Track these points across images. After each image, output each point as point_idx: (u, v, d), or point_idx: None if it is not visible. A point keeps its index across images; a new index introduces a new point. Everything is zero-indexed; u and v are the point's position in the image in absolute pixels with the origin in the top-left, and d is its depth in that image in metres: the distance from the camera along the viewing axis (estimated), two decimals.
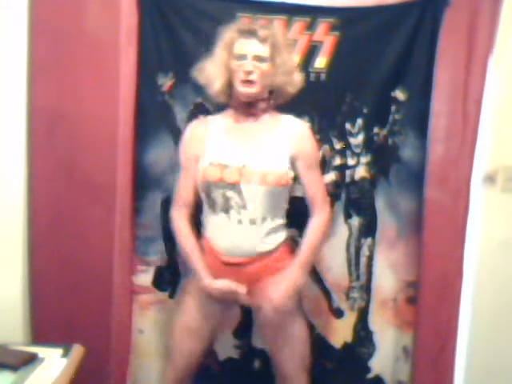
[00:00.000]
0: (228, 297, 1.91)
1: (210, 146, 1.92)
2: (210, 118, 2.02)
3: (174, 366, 2.05)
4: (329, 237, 2.10)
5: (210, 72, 1.88)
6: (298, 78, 1.93)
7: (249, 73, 1.81)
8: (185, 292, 2.06)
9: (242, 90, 1.84)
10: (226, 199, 1.86)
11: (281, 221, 1.95)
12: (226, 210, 1.88)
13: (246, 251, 1.90)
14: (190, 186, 1.96)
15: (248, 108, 1.91)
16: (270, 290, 1.88)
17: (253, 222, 1.87)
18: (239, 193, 1.85)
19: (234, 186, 1.85)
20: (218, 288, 1.89)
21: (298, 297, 1.97)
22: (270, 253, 1.92)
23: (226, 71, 1.86)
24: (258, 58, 1.83)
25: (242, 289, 1.89)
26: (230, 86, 1.88)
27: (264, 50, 1.83)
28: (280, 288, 1.87)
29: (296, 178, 1.93)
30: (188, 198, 1.97)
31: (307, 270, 1.96)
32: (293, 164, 1.91)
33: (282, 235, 1.96)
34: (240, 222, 1.87)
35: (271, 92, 1.91)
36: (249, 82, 1.82)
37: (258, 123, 1.93)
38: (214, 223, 1.93)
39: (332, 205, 2.27)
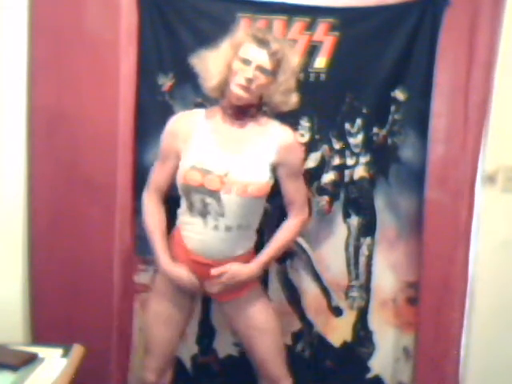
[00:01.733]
0: (184, 284, 1.94)
1: (193, 146, 1.90)
2: (196, 112, 1.99)
3: (152, 355, 2.07)
4: (298, 235, 2.12)
5: (211, 67, 1.86)
6: (294, 99, 1.92)
7: (249, 80, 1.80)
8: (157, 279, 2.07)
9: (235, 92, 1.83)
10: (205, 205, 1.87)
11: (255, 227, 1.99)
12: (204, 214, 1.88)
13: (216, 254, 1.92)
14: (164, 176, 1.98)
15: (237, 110, 1.90)
16: (228, 267, 1.92)
17: (228, 228, 1.89)
18: (218, 200, 1.85)
19: (214, 193, 1.85)
20: (174, 275, 1.93)
21: (259, 289, 2.05)
22: (238, 256, 1.95)
23: (227, 69, 1.84)
24: (261, 69, 1.82)
25: (195, 281, 1.93)
26: (225, 83, 1.86)
27: (270, 63, 1.82)
28: (238, 270, 1.92)
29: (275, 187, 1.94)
30: (160, 187, 2.00)
31: (265, 267, 2.01)
32: (273, 171, 1.91)
33: (253, 240, 2.00)
34: (216, 227, 1.88)
35: (262, 102, 1.91)
36: (245, 88, 1.81)
37: (244, 129, 1.92)
38: (189, 223, 1.94)
39: (331, 204, 2.29)
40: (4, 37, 2.09)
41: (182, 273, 1.93)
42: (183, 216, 1.96)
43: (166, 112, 2.21)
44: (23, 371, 1.72)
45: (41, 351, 1.83)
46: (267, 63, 1.82)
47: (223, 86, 1.88)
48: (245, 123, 1.92)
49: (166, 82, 2.21)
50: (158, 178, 2.00)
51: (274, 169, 1.91)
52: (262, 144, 1.90)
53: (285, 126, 1.98)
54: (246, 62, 1.82)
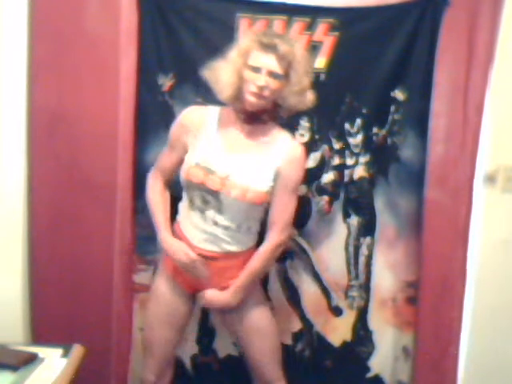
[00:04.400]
0: (181, 259, 1.93)
1: (201, 143, 1.91)
2: (210, 109, 1.97)
3: (151, 355, 2.08)
4: (279, 252, 2.02)
5: (223, 77, 1.85)
6: (310, 97, 1.91)
7: (261, 88, 1.79)
8: (157, 279, 2.07)
9: (250, 100, 1.82)
10: (205, 202, 1.88)
11: (255, 228, 1.99)
12: (203, 210, 1.89)
13: (215, 248, 1.92)
14: (169, 164, 2.00)
15: (250, 115, 1.89)
16: (207, 292, 1.95)
17: (227, 228, 1.90)
18: (218, 200, 1.86)
19: (214, 193, 1.86)
20: (172, 249, 1.93)
21: (258, 291, 2.05)
22: (239, 253, 1.95)
23: (238, 79, 1.83)
24: (273, 74, 1.80)
25: (192, 256, 1.90)
26: (239, 92, 1.85)
27: (280, 67, 1.80)
28: (213, 295, 1.95)
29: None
30: (165, 172, 2.03)
31: (241, 293, 1.95)
32: (275, 181, 1.90)
33: (254, 239, 2.00)
34: (215, 223, 1.89)
35: (278, 105, 1.89)
36: (259, 96, 1.80)
37: (253, 135, 1.92)
38: (189, 217, 1.94)
39: (330, 204, 2.29)
40: (4, 37, 2.09)
41: (181, 247, 1.93)
42: (184, 209, 1.97)
43: (166, 112, 2.22)
44: (23, 371, 1.72)
45: (41, 351, 1.83)
46: (277, 68, 1.80)
47: (238, 95, 1.86)
48: (255, 129, 1.92)
49: (165, 82, 2.21)
50: (163, 163, 2.03)
51: (275, 180, 1.89)
52: (268, 153, 1.90)
53: (295, 141, 2.00)
54: (256, 69, 1.80)
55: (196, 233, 1.92)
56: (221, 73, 1.85)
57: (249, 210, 1.89)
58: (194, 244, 1.93)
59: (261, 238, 1.99)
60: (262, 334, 2.02)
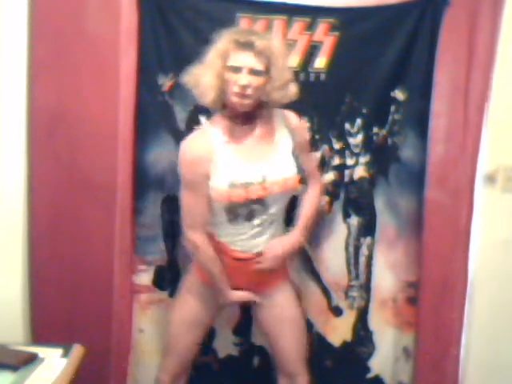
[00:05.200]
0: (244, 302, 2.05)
1: (220, 165, 1.86)
2: (204, 132, 1.94)
3: (170, 357, 2.10)
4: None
5: (204, 81, 1.82)
6: (292, 90, 1.91)
7: (244, 87, 1.78)
8: (185, 286, 2.10)
9: (236, 100, 1.81)
10: (251, 211, 1.89)
11: (284, 217, 2.02)
12: (249, 219, 1.91)
13: (259, 247, 1.95)
14: (202, 205, 1.89)
15: (245, 116, 1.89)
16: (271, 244, 1.96)
17: (271, 222, 1.94)
18: (263, 204, 1.89)
19: (260, 201, 1.88)
20: (239, 299, 2.02)
21: (289, 282, 2.10)
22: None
23: (220, 81, 1.81)
24: (254, 72, 1.79)
25: (255, 298, 2.01)
26: (223, 95, 1.84)
27: (260, 64, 1.80)
28: (281, 242, 1.97)
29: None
30: (203, 218, 1.92)
31: (305, 233, 2.03)
32: (293, 154, 1.94)
33: (283, 231, 2.02)
34: (262, 224, 1.93)
35: (263, 101, 1.89)
36: (243, 95, 1.80)
37: (256, 130, 1.92)
38: (233, 230, 1.93)
39: (331, 204, 2.29)
40: (4, 37, 2.08)
41: (245, 295, 2.01)
42: (222, 225, 1.94)
43: (166, 112, 2.22)
44: (23, 371, 1.71)
45: (41, 351, 1.82)
46: (257, 64, 1.79)
47: (221, 98, 1.85)
48: (254, 125, 1.93)
49: (165, 82, 2.21)
50: (197, 211, 1.91)
51: (293, 153, 1.94)
52: (278, 138, 1.93)
53: (287, 112, 1.99)
54: (237, 69, 1.79)
55: (241, 242, 1.94)
56: (201, 77, 1.83)
57: (286, 197, 1.96)
58: (240, 251, 1.95)
59: None
60: (292, 325, 2.06)
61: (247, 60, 1.79)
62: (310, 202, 2.05)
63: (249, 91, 1.79)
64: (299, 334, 2.08)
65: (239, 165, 1.87)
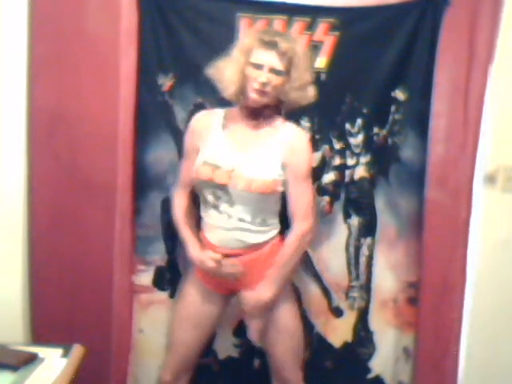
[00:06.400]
0: (214, 268, 1.96)
1: (209, 143, 1.96)
2: (215, 112, 2.04)
3: (172, 355, 2.12)
4: (305, 248, 2.10)
5: (227, 75, 1.90)
6: (311, 93, 1.96)
7: (263, 84, 1.84)
8: (187, 284, 2.12)
9: (253, 97, 1.87)
10: (216, 197, 1.93)
11: (272, 221, 2.01)
12: (216, 206, 1.94)
13: (237, 243, 1.95)
14: (189, 172, 2.01)
15: (253, 111, 1.94)
16: (245, 294, 1.97)
17: (241, 220, 1.93)
18: (227, 193, 1.91)
19: (223, 187, 1.90)
20: (200, 259, 1.97)
21: (288, 290, 2.07)
22: (260, 245, 1.98)
23: (241, 76, 1.88)
24: (274, 71, 1.85)
25: (219, 257, 1.95)
26: (243, 89, 1.90)
27: (281, 64, 1.85)
28: (252, 296, 1.95)
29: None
30: (188, 184, 2.05)
31: (280, 283, 1.95)
32: (284, 171, 1.93)
33: (273, 232, 2.02)
34: (230, 216, 1.93)
35: (280, 100, 1.93)
36: (261, 92, 1.85)
37: (258, 129, 1.96)
38: (206, 218, 1.99)
39: (331, 205, 2.29)
40: (4, 37, 2.08)
41: (206, 254, 1.97)
42: (202, 212, 2.02)
43: (166, 112, 2.22)
44: (23, 371, 1.71)
45: (41, 351, 1.82)
46: (278, 64, 1.85)
47: (241, 92, 1.91)
48: (259, 124, 1.97)
49: (165, 82, 2.21)
50: (184, 175, 2.06)
51: (284, 170, 1.93)
52: (273, 144, 1.93)
53: (300, 129, 2.03)
54: (258, 66, 1.85)
55: (216, 233, 1.97)
56: (224, 71, 1.91)
57: (259, 201, 1.92)
58: (218, 245, 1.97)
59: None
60: (288, 333, 2.05)
61: (269, 59, 1.85)
62: (285, 248, 1.95)
63: (267, 89, 1.85)
64: (294, 344, 2.07)
65: (221, 149, 1.94)
